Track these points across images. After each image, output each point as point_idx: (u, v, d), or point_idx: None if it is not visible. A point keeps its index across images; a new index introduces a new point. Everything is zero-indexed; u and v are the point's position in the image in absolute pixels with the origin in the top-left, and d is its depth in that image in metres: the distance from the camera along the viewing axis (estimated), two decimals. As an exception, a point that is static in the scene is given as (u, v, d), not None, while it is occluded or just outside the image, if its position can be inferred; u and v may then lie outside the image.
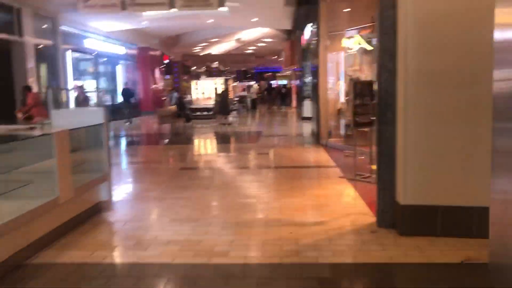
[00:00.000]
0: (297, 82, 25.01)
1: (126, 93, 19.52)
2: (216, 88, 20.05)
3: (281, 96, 33.43)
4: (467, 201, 4.02)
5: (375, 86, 8.66)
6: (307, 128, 15.61)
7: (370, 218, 4.72)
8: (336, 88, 10.37)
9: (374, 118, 7.03)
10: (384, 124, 4.41)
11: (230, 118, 18.56)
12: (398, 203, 4.26)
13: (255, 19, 18.97)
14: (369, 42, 9.48)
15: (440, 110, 4.06)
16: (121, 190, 6.35)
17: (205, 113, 20.81)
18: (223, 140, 12.78)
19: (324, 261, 3.62)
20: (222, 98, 18.57)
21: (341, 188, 6.19)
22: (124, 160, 8.95)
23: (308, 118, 18.39)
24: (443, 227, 4.11)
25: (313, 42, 12.76)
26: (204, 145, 12.11)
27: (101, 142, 5.10)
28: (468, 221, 4.03)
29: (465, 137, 4.02)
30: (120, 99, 20.14)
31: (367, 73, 9.45)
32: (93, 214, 4.92)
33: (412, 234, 4.15)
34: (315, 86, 11.24)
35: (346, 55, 10.02)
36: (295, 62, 25.45)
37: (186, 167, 8.15)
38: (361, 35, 9.63)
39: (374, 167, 7.12)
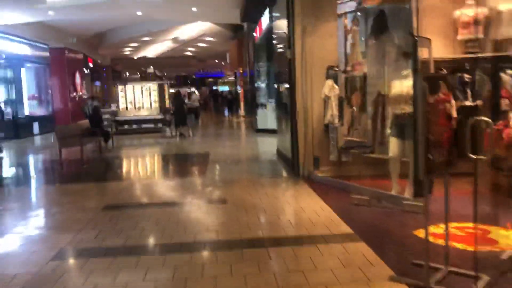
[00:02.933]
0: (246, 87, 21.44)
1: None
2: (172, 93, 16.24)
3: (228, 104, 29.91)
4: None
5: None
6: (268, 145, 11.99)
7: None
8: (325, 92, 6.80)
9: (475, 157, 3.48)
10: None
11: (190, 130, 14.76)
12: None
13: (193, 9, 15.13)
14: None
15: None
16: None
17: (134, 126, 16.69)
18: (150, 173, 8.78)
19: None
20: (177, 104, 14.72)
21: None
22: None
23: (265, 131, 14.87)
24: None
25: (280, 31, 9.26)
26: (115, 186, 7.73)
27: None
28: None
29: None
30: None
31: (376, 69, 5.99)
32: None
33: None
34: (289, 92, 7.63)
35: (341, 41, 6.48)
36: (243, 64, 21.90)
37: (62, 256, 4.15)
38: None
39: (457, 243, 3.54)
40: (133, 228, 4.70)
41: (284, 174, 7.56)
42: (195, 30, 22.02)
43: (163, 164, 9.59)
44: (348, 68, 6.39)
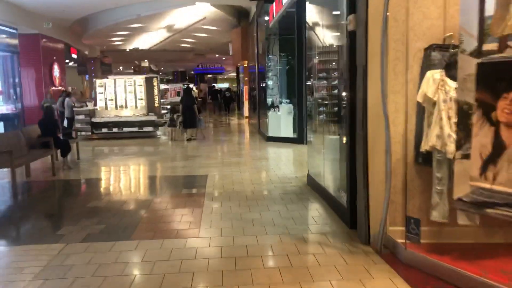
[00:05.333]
0: (252, 84, 18.21)
1: None
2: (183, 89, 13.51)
3: (226, 102, 26.89)
4: None
5: None
6: (288, 162, 8.83)
7: None
8: (428, 93, 3.60)
9: None
10: None
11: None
12: None
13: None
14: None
15: None
16: None
17: (115, 129, 13.52)
18: (113, 222, 5.31)
19: None
20: (187, 103, 12.06)
21: None
22: None
23: (279, 139, 11.72)
24: None
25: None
26: (45, 255, 4.72)
27: None
28: None
29: None
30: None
31: None
32: None
33: None
34: (349, 89, 4.40)
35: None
36: (249, 56, 18.71)
37: None
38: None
39: None
40: None
41: (337, 236, 4.35)
42: (192, 16, 18.77)
43: (136, 203, 6.26)
44: (488, 47, 3.20)
